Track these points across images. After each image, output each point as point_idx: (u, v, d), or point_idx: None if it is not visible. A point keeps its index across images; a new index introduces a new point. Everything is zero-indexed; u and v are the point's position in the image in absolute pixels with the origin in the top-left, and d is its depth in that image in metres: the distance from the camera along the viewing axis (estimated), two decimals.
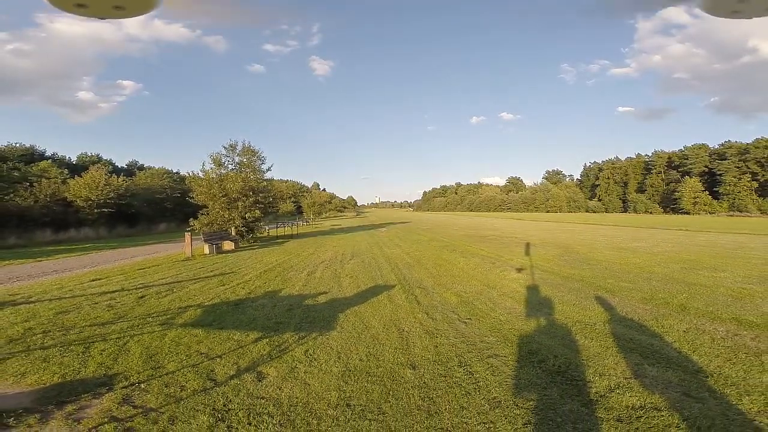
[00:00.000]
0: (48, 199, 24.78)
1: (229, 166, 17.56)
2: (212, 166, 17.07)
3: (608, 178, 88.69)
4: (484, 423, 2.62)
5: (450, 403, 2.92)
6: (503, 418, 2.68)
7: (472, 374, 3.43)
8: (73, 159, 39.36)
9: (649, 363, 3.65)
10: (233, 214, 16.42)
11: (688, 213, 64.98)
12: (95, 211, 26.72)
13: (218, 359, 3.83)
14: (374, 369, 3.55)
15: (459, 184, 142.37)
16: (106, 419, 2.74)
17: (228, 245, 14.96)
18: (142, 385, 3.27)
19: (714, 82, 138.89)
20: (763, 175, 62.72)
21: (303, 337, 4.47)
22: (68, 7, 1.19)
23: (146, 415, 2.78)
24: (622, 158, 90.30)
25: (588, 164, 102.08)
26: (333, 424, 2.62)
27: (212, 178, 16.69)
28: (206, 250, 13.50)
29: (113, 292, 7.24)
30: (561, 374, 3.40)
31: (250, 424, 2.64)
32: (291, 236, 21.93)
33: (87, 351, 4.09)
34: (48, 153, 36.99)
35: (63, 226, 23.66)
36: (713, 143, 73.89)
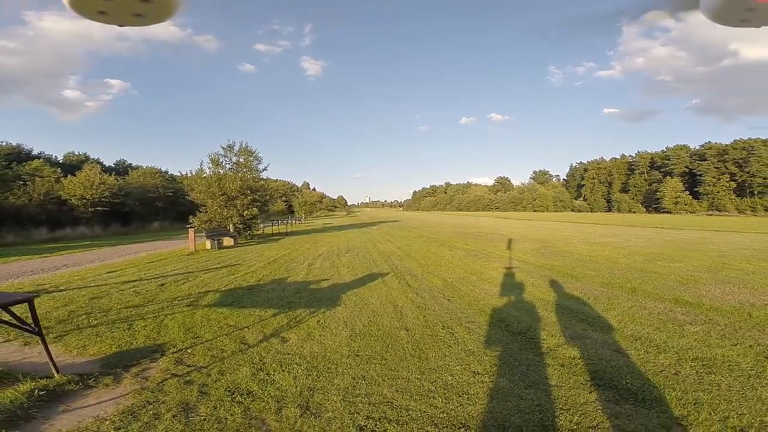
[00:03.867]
0: (42, 198, 25.02)
1: (227, 165, 18.26)
2: (210, 165, 17.76)
3: (593, 178, 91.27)
4: (461, 364, 3.54)
5: (435, 352, 3.84)
6: (475, 362, 3.59)
7: (453, 334, 4.36)
8: (60, 158, 39.31)
9: (593, 329, 4.58)
10: (232, 212, 17.14)
11: (669, 212, 67.44)
12: (90, 209, 27.06)
13: (246, 329, 4.64)
14: (375, 332, 4.46)
15: (448, 184, 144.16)
16: (168, 376, 3.32)
17: (228, 241, 15.69)
18: (189, 350, 3.96)
19: (696, 84, 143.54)
20: (741, 176, 65.58)
21: (314, 312, 5.35)
22: (91, 14, 1.23)
23: (199, 371, 3.41)
24: (607, 159, 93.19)
25: (574, 164, 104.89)
26: (347, 367, 3.49)
27: (211, 177, 17.37)
28: (208, 246, 14.23)
29: (134, 281, 7.98)
30: (521, 335, 4.34)
31: (283, 370, 3.42)
32: (286, 234, 22.68)
33: (131, 327, 4.80)
34: (35, 152, 36.85)
35: (58, 224, 23.98)
36: (694, 144, 76.85)
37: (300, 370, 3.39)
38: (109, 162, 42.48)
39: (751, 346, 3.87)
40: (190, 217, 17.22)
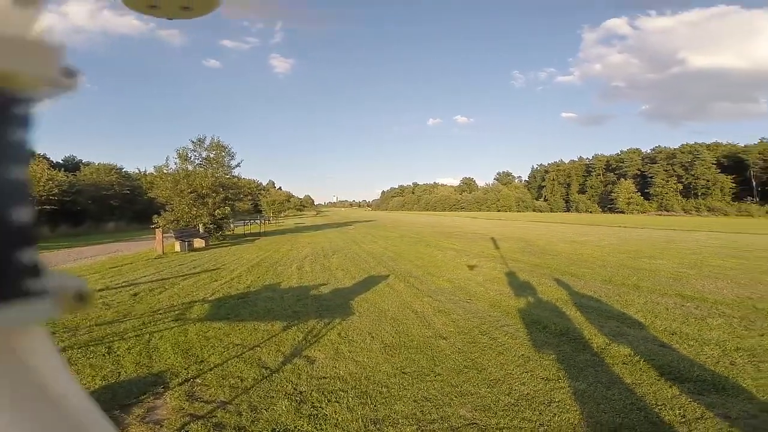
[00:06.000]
0: None
1: (196, 161, 16.94)
2: (177, 161, 16.37)
3: (553, 179, 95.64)
4: (525, 372, 3.21)
5: (490, 361, 3.46)
6: (539, 368, 3.29)
7: (495, 339, 4.01)
8: None
9: (626, 326, 4.53)
10: (202, 211, 15.89)
11: (623, 212, 71.95)
12: (36, 208, 24.16)
13: (258, 348, 3.93)
14: (410, 343, 3.98)
15: (416, 184, 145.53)
16: (186, 418, 2.63)
17: (199, 243, 14.50)
18: (198, 380, 3.22)
19: (647, 90, 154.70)
20: (687, 178, 71.31)
21: (328, 323, 4.76)
22: (141, 8, 1.27)
23: (224, 408, 2.73)
24: (566, 161, 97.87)
25: (535, 166, 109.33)
26: (402, 388, 2.99)
27: (178, 173, 16.01)
28: (177, 248, 13.02)
29: (99, 290, 6.94)
30: (564, 335, 4.11)
31: (329, 400, 2.82)
32: (258, 234, 21.50)
33: (112, 351, 3.94)
34: None
35: None
36: (646, 148, 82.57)
37: (350, 399, 2.84)
38: (57, 158, 38.74)
39: None
40: (154, 216, 15.76)
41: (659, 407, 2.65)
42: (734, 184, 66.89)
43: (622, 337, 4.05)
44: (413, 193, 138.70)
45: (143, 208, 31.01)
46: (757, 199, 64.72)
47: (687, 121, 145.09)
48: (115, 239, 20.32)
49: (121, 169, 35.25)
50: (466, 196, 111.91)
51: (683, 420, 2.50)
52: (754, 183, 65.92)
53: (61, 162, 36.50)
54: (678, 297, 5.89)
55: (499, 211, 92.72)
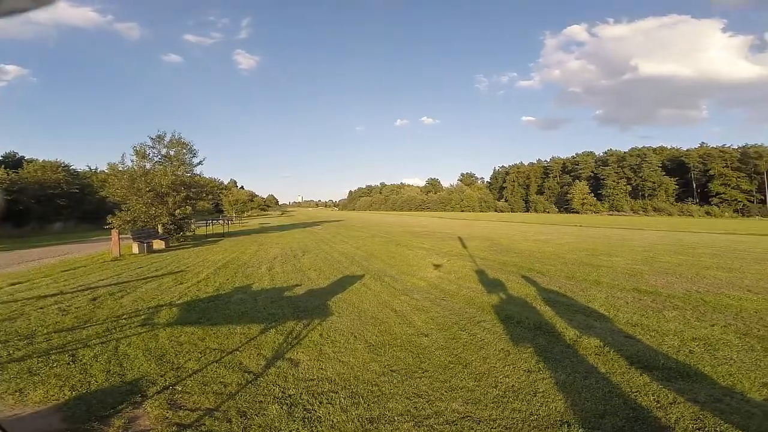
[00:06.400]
0: None
1: (155, 158, 16.00)
2: (135, 158, 15.38)
3: (514, 181, 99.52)
4: (508, 365, 3.35)
5: (473, 355, 3.58)
6: (519, 360, 3.45)
7: (475, 335, 4.15)
8: None
9: (592, 319, 4.83)
10: (161, 211, 15.04)
11: (577, 212, 76.12)
12: None
13: (238, 352, 3.80)
14: (393, 341, 4.02)
15: (383, 184, 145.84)
16: (174, 427, 2.51)
17: (159, 244, 13.72)
18: (178, 387, 3.07)
19: (600, 96, 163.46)
20: (635, 180, 76.66)
21: (308, 325, 4.69)
22: None
23: (211, 416, 2.63)
24: (526, 163, 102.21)
25: (497, 168, 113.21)
26: (393, 386, 3.02)
27: (135, 171, 15.05)
28: (135, 250, 12.25)
29: (53, 295, 6.41)
30: (538, 329, 4.34)
31: (321, 402, 2.77)
32: (222, 235, 20.69)
33: (77, 359, 3.69)
34: None
35: None
36: (599, 151, 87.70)
37: (342, 399, 2.82)
38: None
39: (725, 326, 4.43)
40: (109, 217, 14.72)
41: (635, 394, 2.84)
42: (677, 186, 72.78)
43: (590, 330, 4.30)
44: (381, 193, 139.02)
45: (93, 208, 28.87)
46: (697, 200, 70.69)
47: (636, 126, 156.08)
48: (63, 241, 18.75)
49: (69, 166, 32.59)
50: (432, 197, 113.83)
51: (659, 405, 2.68)
52: (694, 185, 72.11)
53: (1, 158, 33.21)
54: (635, 291, 6.33)
55: (462, 211, 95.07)
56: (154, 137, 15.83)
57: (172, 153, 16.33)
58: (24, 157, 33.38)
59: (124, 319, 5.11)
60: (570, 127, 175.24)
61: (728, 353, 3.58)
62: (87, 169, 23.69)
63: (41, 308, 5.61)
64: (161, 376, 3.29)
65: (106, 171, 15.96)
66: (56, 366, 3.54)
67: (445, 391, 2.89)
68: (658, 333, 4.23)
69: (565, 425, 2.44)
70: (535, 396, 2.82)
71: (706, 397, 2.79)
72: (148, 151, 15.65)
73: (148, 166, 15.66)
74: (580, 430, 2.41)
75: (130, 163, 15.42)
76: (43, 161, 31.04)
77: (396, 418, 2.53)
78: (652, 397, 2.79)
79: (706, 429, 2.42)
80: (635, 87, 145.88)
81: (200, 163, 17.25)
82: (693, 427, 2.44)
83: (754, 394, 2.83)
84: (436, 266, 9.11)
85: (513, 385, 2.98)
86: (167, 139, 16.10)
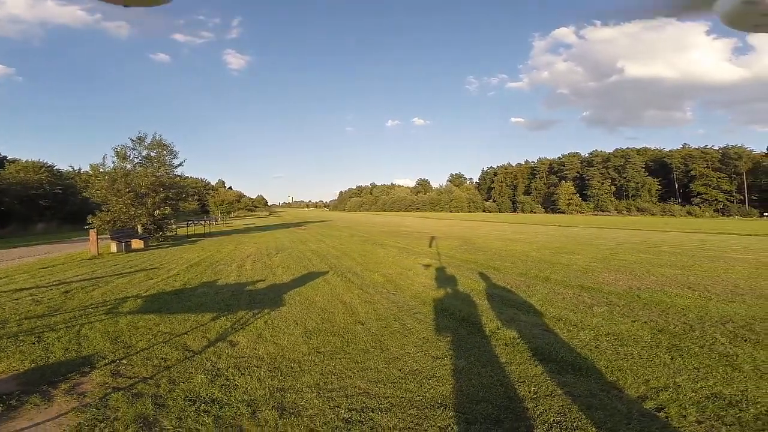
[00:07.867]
0: None
1: (135, 160, 16.21)
2: (115, 159, 15.59)
3: (501, 181, 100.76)
4: (420, 351, 3.76)
5: (394, 342, 4.01)
6: (433, 348, 3.85)
7: (405, 324, 4.59)
8: None
9: (522, 313, 5.19)
10: (140, 211, 15.27)
11: (563, 212, 77.38)
12: None
13: (185, 335, 4.25)
14: (330, 328, 4.46)
15: (374, 185, 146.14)
16: (109, 390, 2.94)
17: (137, 243, 13.96)
18: (124, 361, 3.52)
19: (588, 98, 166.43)
20: (620, 180, 78.24)
21: (257, 313, 5.12)
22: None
23: (145, 382, 3.06)
24: (513, 164, 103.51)
25: (485, 169, 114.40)
26: (311, 364, 3.45)
27: (116, 172, 15.26)
28: (114, 249, 12.50)
29: (28, 289, 6.74)
30: (465, 321, 4.75)
31: (242, 374, 3.21)
32: (203, 235, 20.90)
33: (41, 340, 4.11)
34: None
35: None
36: (584, 152, 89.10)
37: (262, 372, 3.25)
38: None
39: (645, 322, 4.66)
40: (89, 216, 14.90)
41: (519, 384, 3.03)
42: (660, 186, 74.44)
43: (513, 323, 4.63)
44: (371, 193, 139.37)
45: (76, 209, 28.74)
46: (679, 200, 72.28)
47: (622, 127, 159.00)
48: (45, 241, 18.82)
49: (52, 166, 32.36)
50: (421, 197, 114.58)
51: (535, 396, 2.84)
52: (676, 185, 73.86)
53: None
54: (578, 288, 6.64)
55: (451, 211, 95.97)
56: (134, 138, 16.06)
57: (152, 154, 16.57)
58: (6, 157, 33.06)
59: (92, 308, 5.47)
60: (558, 128, 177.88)
61: (631, 349, 3.71)
62: (70, 169, 23.48)
63: (16, 299, 5.96)
64: (112, 353, 3.73)
65: (89, 171, 16.09)
66: (22, 345, 3.96)
67: (357, 371, 3.31)
68: (577, 327, 4.41)
69: (442, 408, 2.68)
70: (430, 380, 3.15)
71: (584, 391, 2.91)
72: (128, 153, 15.89)
73: (128, 167, 15.88)
74: (452, 412, 2.62)
75: (111, 165, 15.66)
76: (26, 161, 30.82)
77: (304, 389, 2.96)
78: (533, 389, 2.95)
79: (564, 423, 2.49)
80: (622, 89, 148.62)
81: (181, 164, 17.54)
82: (553, 420, 2.52)
83: (631, 390, 2.91)
84: (403, 264, 9.56)
85: (416, 369, 3.35)
86: (148, 140, 16.36)
